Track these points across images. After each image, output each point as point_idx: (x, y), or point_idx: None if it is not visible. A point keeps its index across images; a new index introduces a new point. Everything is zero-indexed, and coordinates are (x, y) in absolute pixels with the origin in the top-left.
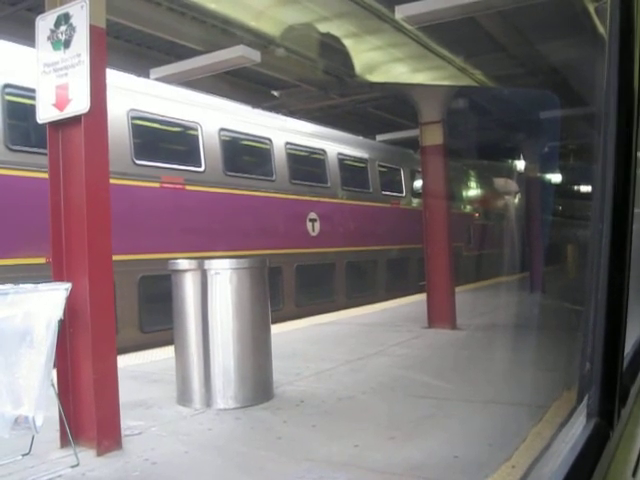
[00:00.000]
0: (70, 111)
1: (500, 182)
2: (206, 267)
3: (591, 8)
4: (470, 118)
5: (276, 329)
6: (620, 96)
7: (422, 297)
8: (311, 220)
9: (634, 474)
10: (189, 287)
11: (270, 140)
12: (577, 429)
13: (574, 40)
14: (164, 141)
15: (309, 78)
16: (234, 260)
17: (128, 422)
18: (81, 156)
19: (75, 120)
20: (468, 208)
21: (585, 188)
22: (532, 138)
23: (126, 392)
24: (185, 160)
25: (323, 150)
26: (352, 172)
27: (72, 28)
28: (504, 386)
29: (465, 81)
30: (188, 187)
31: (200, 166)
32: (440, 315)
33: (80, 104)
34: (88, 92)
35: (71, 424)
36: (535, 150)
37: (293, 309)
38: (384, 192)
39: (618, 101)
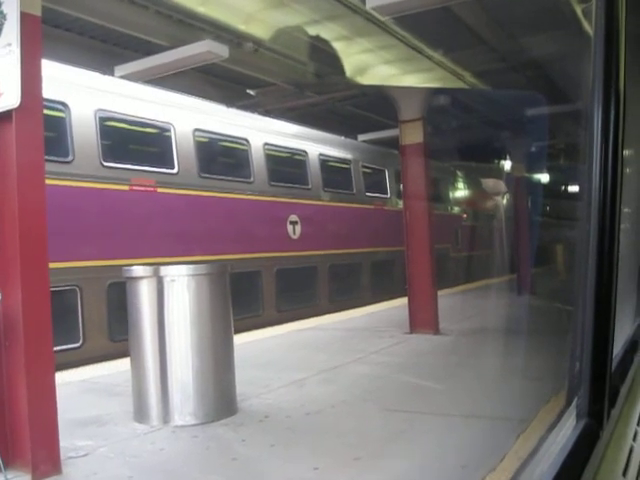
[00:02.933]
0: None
1: (488, 182)
2: (162, 274)
3: (578, 9)
4: (454, 116)
5: (255, 336)
6: (606, 96)
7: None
8: (292, 223)
9: (624, 473)
10: (144, 296)
11: (248, 141)
12: (567, 430)
13: (556, 33)
14: (134, 142)
15: (285, 76)
16: (192, 266)
17: (76, 442)
18: (12, 155)
19: (6, 116)
20: (455, 209)
21: (573, 188)
22: (517, 137)
23: (83, 407)
24: (157, 162)
25: (304, 151)
26: (334, 173)
27: (2, 16)
28: (485, 397)
29: (455, 83)
30: (160, 189)
31: (173, 168)
32: (422, 320)
33: (10, 98)
34: (19, 85)
35: (6, 447)
36: (521, 149)
37: (274, 314)
38: (368, 193)
39: (604, 101)
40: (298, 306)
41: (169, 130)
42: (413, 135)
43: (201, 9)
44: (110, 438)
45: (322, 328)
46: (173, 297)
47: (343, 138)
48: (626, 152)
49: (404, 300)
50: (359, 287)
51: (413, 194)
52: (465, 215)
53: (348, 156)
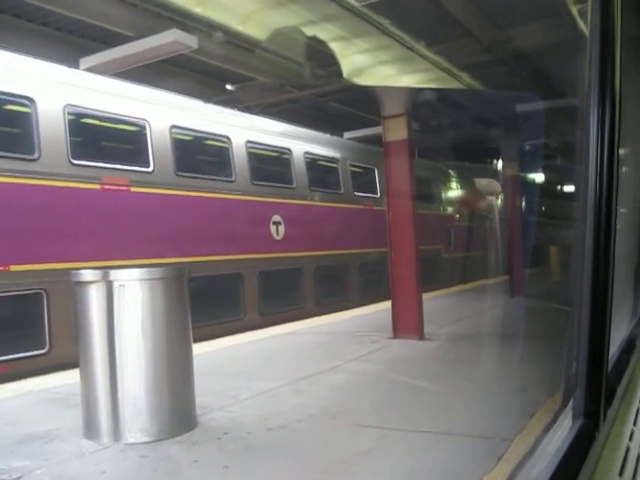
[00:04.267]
0: None
1: (482, 182)
2: (111, 278)
3: (574, 10)
4: (442, 112)
5: (235, 340)
6: (602, 96)
7: None
8: (275, 223)
9: (621, 473)
10: (93, 302)
11: (229, 138)
12: (563, 430)
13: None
14: (106, 139)
15: (264, 70)
16: (144, 269)
17: (14, 462)
18: None
19: None
20: (448, 209)
21: (567, 186)
22: (509, 134)
23: (35, 420)
24: (131, 160)
25: (288, 149)
26: (321, 172)
27: None
28: (466, 411)
29: (452, 84)
30: (134, 189)
31: (148, 166)
32: (406, 324)
33: None
34: None
35: None
36: (512, 146)
37: (256, 318)
38: (357, 193)
39: (600, 101)
40: (282, 309)
41: (144, 127)
42: (397, 131)
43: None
44: (52, 457)
45: (305, 332)
46: (123, 303)
47: (331, 136)
48: (623, 151)
49: None
50: (347, 289)
51: (397, 193)
52: (458, 215)
53: (335, 154)
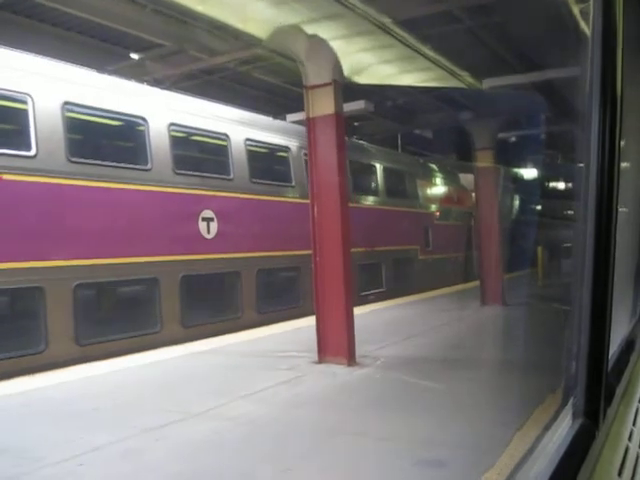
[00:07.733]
0: None
1: (467, 178)
2: None
3: (576, 10)
4: (399, 91)
5: (128, 362)
6: (603, 96)
7: (361, 310)
8: (205, 219)
9: (620, 473)
10: None
11: (145, 120)
12: (563, 429)
13: None
14: None
15: (165, 31)
16: None
17: None
18: None
19: None
20: (430, 206)
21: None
22: (482, 119)
23: None
24: (5, 142)
25: (225, 134)
26: (267, 162)
27: None
28: None
29: (453, 83)
30: (8, 176)
31: (29, 150)
32: (334, 345)
33: None
34: None
35: None
36: (487, 134)
37: (178, 331)
38: None
39: (601, 101)
40: (212, 320)
41: (25, 102)
42: (322, 104)
43: None
44: None
45: (221, 351)
46: None
47: (281, 121)
48: (624, 150)
49: (356, 310)
50: (298, 295)
51: (323, 182)
52: (438, 213)
53: (287, 142)
